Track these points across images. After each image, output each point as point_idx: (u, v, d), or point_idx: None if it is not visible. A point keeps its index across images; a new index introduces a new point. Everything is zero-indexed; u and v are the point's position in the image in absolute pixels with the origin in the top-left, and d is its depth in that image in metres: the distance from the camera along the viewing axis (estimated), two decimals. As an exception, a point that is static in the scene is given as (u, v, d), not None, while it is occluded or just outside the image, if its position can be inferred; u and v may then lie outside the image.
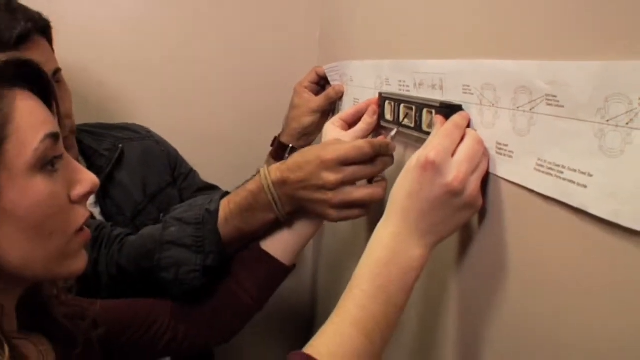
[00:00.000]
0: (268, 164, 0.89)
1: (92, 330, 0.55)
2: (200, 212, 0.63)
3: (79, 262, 0.48)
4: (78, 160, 0.82)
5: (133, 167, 0.87)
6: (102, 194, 0.83)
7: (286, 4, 1.03)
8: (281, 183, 0.60)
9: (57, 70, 0.76)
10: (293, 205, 0.61)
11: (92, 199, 0.81)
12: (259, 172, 0.63)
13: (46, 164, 0.44)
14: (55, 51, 0.77)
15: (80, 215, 0.48)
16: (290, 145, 0.87)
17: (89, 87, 0.99)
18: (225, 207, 0.63)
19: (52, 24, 0.76)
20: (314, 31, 1.03)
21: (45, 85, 0.48)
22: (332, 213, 0.59)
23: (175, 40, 1.01)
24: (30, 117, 0.43)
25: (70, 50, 0.85)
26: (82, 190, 0.47)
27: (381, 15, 0.72)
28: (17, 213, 0.42)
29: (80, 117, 0.83)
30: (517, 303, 0.43)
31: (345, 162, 0.57)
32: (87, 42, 0.97)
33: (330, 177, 0.57)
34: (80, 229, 0.48)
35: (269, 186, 0.60)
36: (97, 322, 0.56)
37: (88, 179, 0.48)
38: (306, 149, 0.62)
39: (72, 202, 0.47)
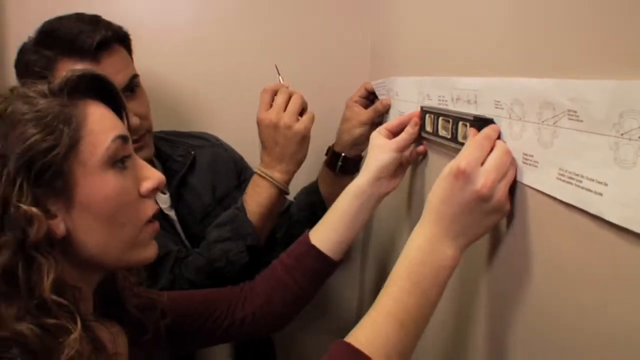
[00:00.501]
0: (323, 171, 0.93)
1: (161, 320, 0.57)
2: (230, 212, 0.78)
3: (149, 251, 0.51)
4: (153, 162, 0.87)
5: (203, 172, 0.90)
6: (176, 197, 0.86)
7: (340, 28, 1.06)
8: (267, 164, 0.78)
9: (135, 76, 0.79)
10: (286, 173, 0.78)
11: (167, 202, 0.86)
12: (256, 173, 0.80)
13: (116, 161, 0.47)
14: (138, 62, 0.82)
15: (149, 208, 0.50)
16: (343, 154, 0.88)
17: (167, 97, 1.04)
18: (246, 203, 0.78)
19: (134, 36, 0.81)
20: (365, 51, 1.06)
21: (115, 97, 0.51)
22: (300, 126, 0.76)
23: (240, 58, 1.05)
24: (100, 122, 0.47)
25: (151, 62, 0.92)
26: (150, 185, 0.50)
27: (424, 37, 0.74)
28: (92, 205, 0.45)
29: (158, 125, 0.88)
30: (541, 299, 0.44)
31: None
32: (166, 55, 1.02)
33: (275, 119, 0.76)
34: (150, 221, 0.50)
35: (262, 171, 0.78)
36: (165, 313, 0.58)
37: (155, 176, 0.50)
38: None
39: (142, 196, 0.49)
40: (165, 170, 0.87)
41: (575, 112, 0.38)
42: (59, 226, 0.44)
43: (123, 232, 0.47)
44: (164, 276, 0.73)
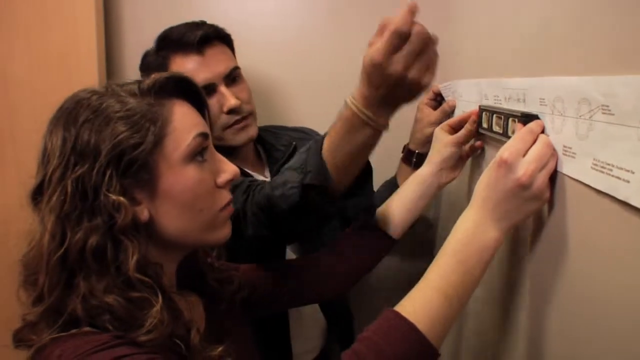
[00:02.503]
0: (400, 167, 0.93)
1: (237, 293, 0.57)
2: (310, 144, 0.59)
3: (224, 231, 0.50)
4: (257, 149, 0.88)
5: None
6: None
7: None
8: (368, 104, 0.53)
9: (236, 68, 0.81)
10: (385, 111, 0.54)
11: None
12: (345, 102, 0.55)
13: (196, 155, 0.46)
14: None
15: (223, 197, 0.49)
16: (417, 151, 0.88)
17: (273, 96, 1.08)
18: (329, 137, 0.56)
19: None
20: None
21: (199, 97, 0.50)
22: (425, 86, 0.52)
23: (332, 63, 1.06)
24: (184, 121, 0.46)
25: (260, 65, 0.96)
26: (226, 177, 0.49)
27: (482, 45, 0.73)
28: (173, 194, 0.44)
29: (264, 120, 0.90)
30: (576, 277, 0.43)
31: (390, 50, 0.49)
32: (273, 59, 1.06)
33: (404, 71, 0.50)
34: (225, 207, 0.49)
35: (356, 106, 0.53)
36: (242, 286, 0.57)
37: (231, 169, 0.49)
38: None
39: (218, 186, 0.48)
40: (269, 158, 0.89)
41: (608, 106, 0.37)
42: (143, 212, 0.44)
43: (199, 217, 0.47)
44: (239, 196, 0.65)
